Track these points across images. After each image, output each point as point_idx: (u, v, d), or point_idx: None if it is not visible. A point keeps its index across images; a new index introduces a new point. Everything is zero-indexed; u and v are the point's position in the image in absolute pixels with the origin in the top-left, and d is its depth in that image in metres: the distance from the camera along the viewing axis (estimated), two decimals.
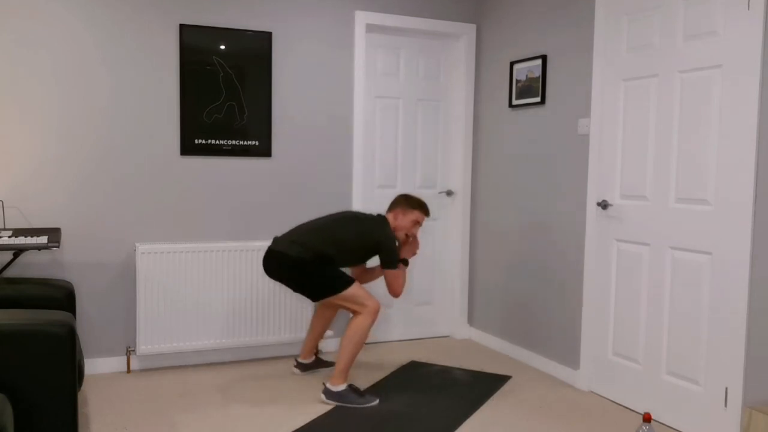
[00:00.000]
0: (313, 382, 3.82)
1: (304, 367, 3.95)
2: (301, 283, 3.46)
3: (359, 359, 4.26)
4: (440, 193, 4.79)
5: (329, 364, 4.00)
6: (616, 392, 3.57)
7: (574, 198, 3.83)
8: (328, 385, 3.48)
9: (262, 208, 4.22)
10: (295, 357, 4.23)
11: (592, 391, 3.73)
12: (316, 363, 3.98)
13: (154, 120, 3.94)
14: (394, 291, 3.58)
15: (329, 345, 4.44)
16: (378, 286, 4.61)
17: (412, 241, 3.77)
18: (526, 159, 4.23)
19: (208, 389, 3.67)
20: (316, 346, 3.97)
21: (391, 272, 3.55)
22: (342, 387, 3.46)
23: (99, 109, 3.83)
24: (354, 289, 3.45)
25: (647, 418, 2.50)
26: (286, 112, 4.24)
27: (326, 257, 3.45)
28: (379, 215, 3.66)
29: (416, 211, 3.67)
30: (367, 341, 4.61)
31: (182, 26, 3.94)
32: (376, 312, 3.48)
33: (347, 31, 4.36)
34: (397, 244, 3.61)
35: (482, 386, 3.77)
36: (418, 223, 3.69)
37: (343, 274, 3.49)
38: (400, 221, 3.67)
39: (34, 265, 3.74)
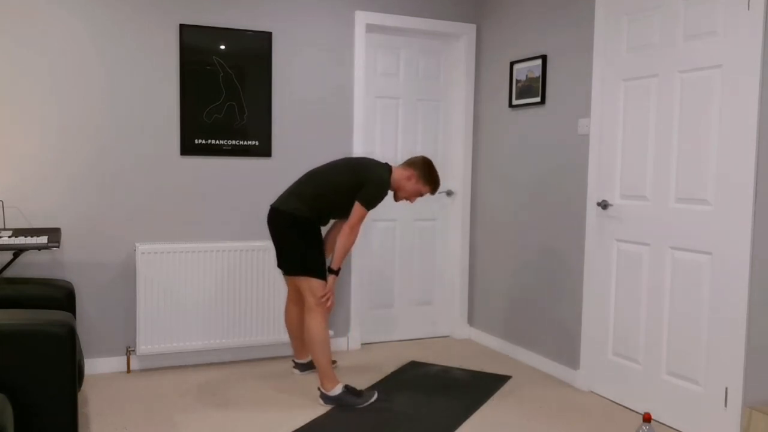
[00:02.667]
0: (313, 381, 3.81)
1: (302, 367, 3.94)
2: (282, 244, 3.43)
3: (359, 359, 4.26)
4: (440, 193, 4.79)
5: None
6: (616, 392, 3.57)
7: (574, 198, 3.83)
8: (322, 390, 3.46)
9: (262, 208, 4.22)
10: (292, 358, 4.23)
11: (592, 391, 3.73)
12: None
13: (154, 120, 3.94)
14: (349, 223, 3.40)
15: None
16: (381, 288, 4.62)
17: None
18: (526, 159, 4.23)
19: (209, 389, 3.67)
20: (305, 343, 3.88)
21: (358, 207, 3.39)
22: (337, 390, 3.43)
23: (99, 109, 3.83)
24: (319, 283, 3.41)
25: (647, 418, 2.50)
26: (286, 112, 4.24)
27: (318, 209, 3.41)
28: (386, 163, 3.56)
29: (429, 187, 3.56)
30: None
31: (182, 26, 3.94)
32: (325, 314, 3.43)
33: (347, 31, 4.36)
34: (383, 195, 3.46)
35: (482, 386, 3.77)
36: (420, 195, 3.61)
37: (323, 263, 3.45)
38: (410, 185, 3.54)
39: (34, 265, 3.74)
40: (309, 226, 3.44)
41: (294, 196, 3.45)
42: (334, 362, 3.98)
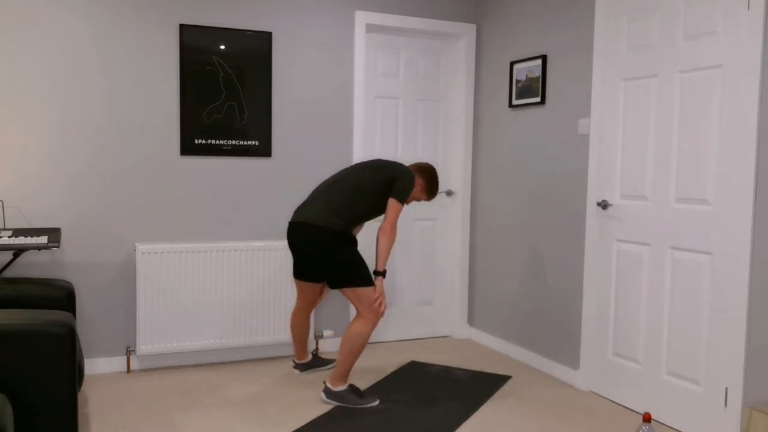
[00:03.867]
0: (313, 382, 3.82)
1: (302, 367, 3.95)
2: (323, 260, 3.38)
3: (359, 359, 4.26)
4: (440, 193, 4.79)
5: (328, 362, 4.00)
6: (616, 392, 3.57)
7: (574, 198, 3.83)
8: (328, 385, 3.47)
9: (262, 208, 4.22)
10: (293, 358, 4.23)
11: (592, 391, 3.73)
12: (315, 361, 3.98)
13: (154, 120, 3.94)
14: (389, 221, 3.40)
15: (330, 345, 4.44)
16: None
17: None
18: (526, 159, 4.23)
19: (209, 389, 3.67)
20: (307, 345, 3.93)
21: (395, 203, 3.41)
22: (342, 387, 3.46)
23: (99, 109, 3.83)
24: (371, 291, 3.38)
25: (647, 418, 2.50)
26: (286, 112, 4.24)
27: (357, 220, 3.44)
28: (412, 166, 3.66)
29: (428, 196, 3.66)
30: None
31: (182, 26, 3.94)
32: (375, 321, 3.40)
33: (347, 31, 4.36)
34: (413, 188, 3.51)
35: (482, 386, 3.77)
36: (417, 201, 3.69)
37: (366, 268, 3.43)
38: (419, 187, 3.63)
39: (34, 265, 3.74)
40: (345, 236, 3.41)
41: (328, 210, 3.39)
42: (332, 360, 3.98)
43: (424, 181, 3.62)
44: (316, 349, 4.03)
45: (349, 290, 3.39)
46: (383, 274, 3.41)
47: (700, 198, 3.09)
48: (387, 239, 3.38)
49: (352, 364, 3.44)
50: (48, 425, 2.42)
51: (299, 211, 3.48)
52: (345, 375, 3.45)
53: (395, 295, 4.71)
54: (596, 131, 3.65)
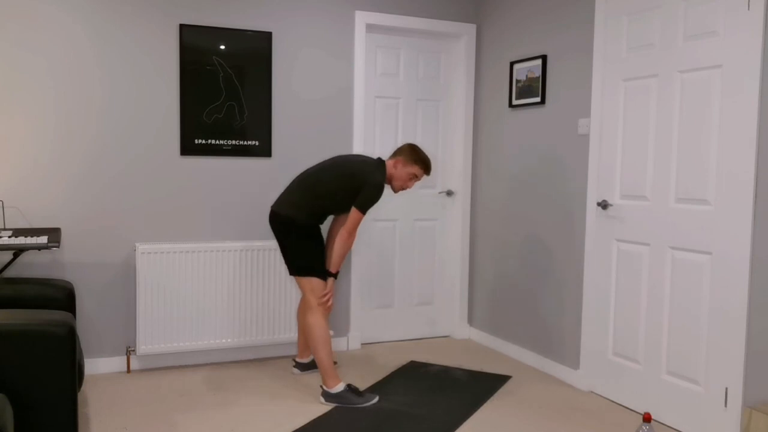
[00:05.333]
0: (313, 381, 3.81)
1: (303, 367, 3.95)
2: (285, 247, 3.51)
3: (359, 359, 4.26)
4: (440, 193, 4.79)
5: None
6: (616, 392, 3.57)
7: (574, 198, 3.83)
8: (324, 388, 3.48)
9: (262, 208, 4.22)
10: (294, 357, 4.23)
11: (592, 391, 3.73)
12: (315, 363, 3.97)
13: (154, 120, 3.94)
14: (347, 228, 3.43)
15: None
16: (381, 288, 4.62)
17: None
18: (526, 159, 4.23)
19: (209, 389, 3.67)
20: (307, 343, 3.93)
21: (356, 212, 3.42)
22: (339, 388, 3.45)
23: (98, 110, 3.83)
24: (320, 283, 3.48)
25: (647, 418, 2.50)
26: (286, 112, 4.24)
27: (317, 215, 3.47)
28: (378, 159, 3.58)
29: (416, 166, 3.56)
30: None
31: (182, 26, 3.94)
32: (323, 313, 3.48)
33: (347, 31, 4.36)
34: (380, 196, 3.46)
35: (482, 386, 3.77)
36: (416, 177, 3.59)
37: (323, 263, 3.51)
38: (399, 171, 3.56)
39: (34, 265, 3.74)
40: (308, 228, 3.49)
41: (289, 204, 3.48)
42: (334, 363, 3.96)
43: (402, 156, 3.54)
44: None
45: (303, 279, 3.49)
46: (335, 275, 3.52)
47: (700, 198, 3.09)
48: (341, 244, 3.46)
49: (325, 359, 3.47)
50: (48, 425, 2.42)
51: (277, 199, 3.58)
52: (329, 371, 3.47)
53: (395, 295, 4.71)
54: (596, 131, 3.65)
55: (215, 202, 4.11)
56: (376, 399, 3.48)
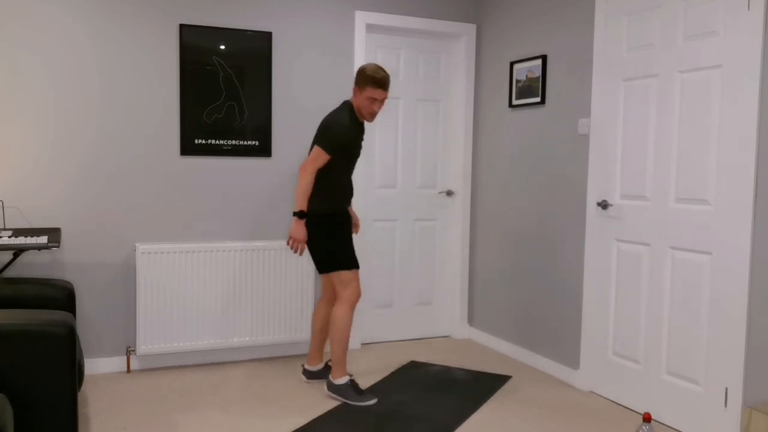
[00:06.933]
0: (314, 382, 3.81)
1: (309, 375, 3.83)
2: (309, 245, 3.51)
3: (359, 359, 4.26)
4: (440, 193, 4.79)
5: None
6: (616, 392, 3.57)
7: (574, 198, 3.83)
8: (330, 377, 3.52)
9: (262, 208, 4.22)
10: (302, 363, 4.16)
11: (592, 391, 3.73)
12: (326, 372, 3.83)
13: (154, 120, 3.94)
14: (304, 163, 3.42)
15: (328, 345, 4.43)
16: (381, 288, 4.62)
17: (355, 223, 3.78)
18: (526, 159, 4.23)
19: (209, 389, 3.67)
20: (322, 348, 3.81)
21: (315, 148, 3.39)
22: (343, 380, 3.48)
23: (98, 110, 3.83)
24: (346, 275, 3.49)
25: (647, 418, 2.50)
26: (286, 112, 4.24)
27: (328, 195, 3.46)
28: (345, 101, 3.54)
29: (368, 87, 3.40)
30: (366, 341, 4.61)
31: (182, 26, 3.94)
32: (350, 302, 3.51)
33: (347, 30, 4.36)
34: (341, 132, 3.39)
35: (482, 386, 3.77)
36: (374, 100, 3.42)
37: (349, 254, 3.51)
38: (358, 100, 3.45)
39: (34, 265, 3.74)
40: (325, 219, 3.49)
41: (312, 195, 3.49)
42: (329, 361, 3.90)
43: (355, 84, 3.46)
44: (330, 360, 3.93)
45: (332, 274, 3.52)
46: (297, 214, 3.42)
47: (700, 198, 3.09)
48: (299, 180, 3.42)
49: (342, 350, 3.49)
50: (48, 425, 2.42)
51: None
52: (340, 363, 3.50)
53: (395, 295, 4.71)
54: (596, 131, 3.65)
55: (215, 202, 4.11)
56: (374, 401, 3.48)
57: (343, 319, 3.49)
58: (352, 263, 3.53)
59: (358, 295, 3.55)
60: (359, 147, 3.57)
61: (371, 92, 3.40)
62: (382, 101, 3.45)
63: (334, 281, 3.53)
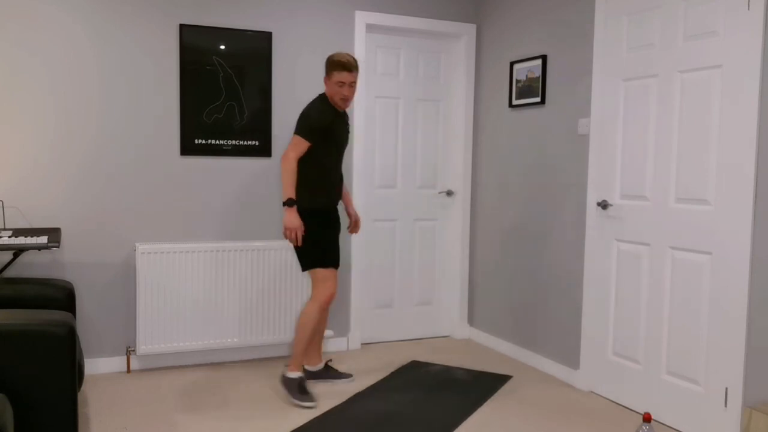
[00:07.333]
0: (315, 383, 3.81)
1: (309, 375, 3.81)
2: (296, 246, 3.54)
3: (359, 359, 4.26)
4: (440, 193, 4.79)
5: (342, 375, 3.82)
6: (616, 392, 3.57)
7: (574, 198, 3.83)
8: (286, 368, 3.58)
9: (262, 208, 4.22)
10: (302, 364, 4.14)
11: (592, 391, 3.73)
12: (326, 372, 3.83)
13: (154, 120, 3.94)
14: (284, 154, 3.44)
15: (328, 345, 4.43)
16: (381, 288, 4.62)
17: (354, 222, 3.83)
18: (526, 159, 4.23)
19: (209, 389, 3.67)
20: (319, 347, 3.80)
21: (293, 136, 3.44)
22: (293, 375, 3.50)
23: (98, 110, 3.83)
24: (321, 271, 3.51)
25: (647, 418, 2.50)
26: (286, 112, 4.24)
27: (314, 189, 3.48)
28: (320, 94, 3.59)
29: (334, 72, 3.46)
30: (374, 342, 4.61)
31: (182, 26, 3.94)
32: (320, 301, 3.51)
33: (347, 31, 4.36)
34: (315, 118, 3.43)
35: (482, 386, 3.77)
36: (342, 83, 3.46)
37: (325, 250, 3.52)
38: (329, 87, 3.51)
39: (34, 265, 3.74)
40: (307, 214, 3.49)
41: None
42: (330, 361, 3.91)
43: (325, 77, 3.51)
44: (330, 360, 3.93)
45: (309, 271, 3.56)
46: (286, 203, 3.41)
47: (700, 198, 3.09)
48: (282, 170, 3.46)
49: (300, 346, 3.52)
50: (48, 425, 2.42)
51: None
52: (296, 357, 3.53)
53: (395, 295, 4.71)
54: (596, 131, 3.65)
55: (215, 202, 4.11)
56: (314, 404, 3.41)
57: (308, 316, 3.52)
58: (328, 261, 3.53)
59: (330, 295, 3.55)
60: (341, 135, 3.57)
61: (338, 76, 3.45)
62: (350, 85, 3.48)
63: (311, 278, 3.55)
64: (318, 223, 3.54)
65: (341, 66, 3.45)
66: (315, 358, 3.80)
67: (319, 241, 3.53)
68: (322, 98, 3.55)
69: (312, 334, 3.55)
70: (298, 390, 3.46)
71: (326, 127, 3.48)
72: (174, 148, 4.00)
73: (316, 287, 3.55)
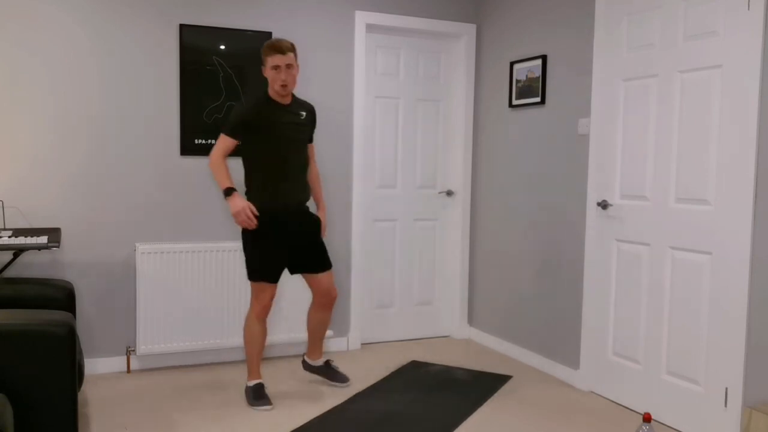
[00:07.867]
0: (314, 382, 3.81)
1: (307, 366, 3.81)
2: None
3: (359, 359, 4.26)
4: (440, 193, 4.79)
5: (340, 379, 3.75)
6: (616, 392, 3.57)
7: (574, 198, 3.83)
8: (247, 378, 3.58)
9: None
10: (303, 353, 4.16)
11: (592, 391, 3.73)
12: (326, 369, 3.79)
13: (154, 120, 3.94)
14: (212, 152, 3.37)
15: (328, 345, 4.43)
16: (381, 288, 4.62)
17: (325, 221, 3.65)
18: (526, 159, 4.23)
19: (208, 389, 3.67)
20: (318, 344, 3.75)
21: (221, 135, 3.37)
22: (250, 383, 3.49)
23: (98, 109, 3.83)
24: (255, 285, 3.41)
25: (647, 418, 2.50)
26: None
27: (259, 188, 3.39)
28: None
29: (267, 58, 3.33)
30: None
31: (182, 26, 3.94)
32: (255, 313, 3.43)
33: (347, 31, 4.36)
34: (237, 114, 3.34)
35: (482, 386, 3.77)
36: (278, 67, 3.31)
37: (265, 262, 3.38)
38: (267, 74, 3.37)
39: (34, 265, 3.74)
40: (261, 223, 3.36)
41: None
42: (330, 361, 3.87)
43: (262, 62, 3.38)
44: (332, 360, 3.90)
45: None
46: (225, 192, 3.31)
47: (700, 198, 3.09)
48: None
49: (248, 355, 3.48)
50: (48, 425, 2.42)
51: None
52: (250, 366, 3.49)
53: (395, 295, 4.71)
54: (596, 131, 3.65)
55: (215, 202, 4.11)
56: (269, 408, 3.39)
57: (247, 329, 3.46)
58: (261, 275, 3.38)
59: (263, 310, 3.42)
60: (284, 130, 3.37)
61: (271, 61, 3.31)
62: (287, 67, 3.31)
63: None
64: (259, 230, 3.35)
65: (273, 49, 3.31)
66: (316, 352, 3.78)
67: (258, 252, 3.39)
68: (261, 93, 3.43)
69: (258, 347, 3.45)
70: (253, 396, 3.44)
71: (251, 122, 3.32)
72: (174, 148, 4.00)
73: (252, 300, 3.45)
